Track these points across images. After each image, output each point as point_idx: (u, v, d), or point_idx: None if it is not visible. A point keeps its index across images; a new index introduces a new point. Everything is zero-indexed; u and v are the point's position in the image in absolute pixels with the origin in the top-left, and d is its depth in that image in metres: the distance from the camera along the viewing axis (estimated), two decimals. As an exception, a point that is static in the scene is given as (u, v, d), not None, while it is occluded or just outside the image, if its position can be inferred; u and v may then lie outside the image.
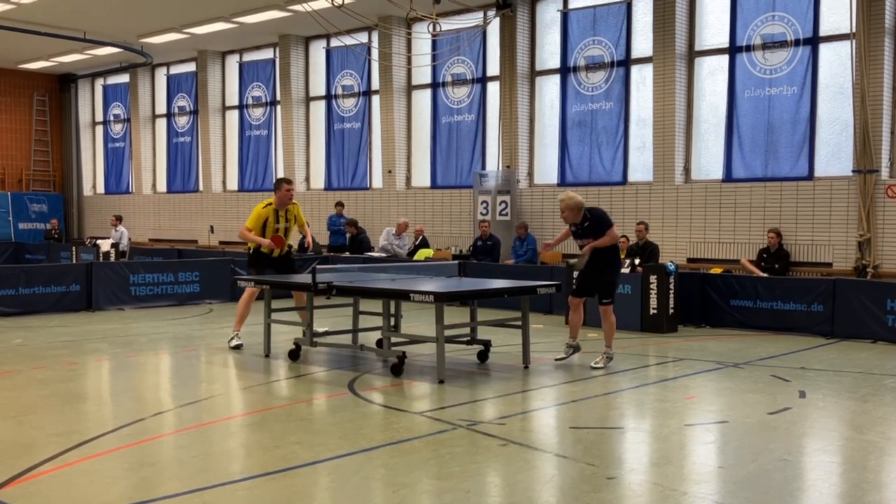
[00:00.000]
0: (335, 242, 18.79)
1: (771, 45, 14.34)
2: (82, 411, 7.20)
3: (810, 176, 14.05)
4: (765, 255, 13.74)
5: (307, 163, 21.47)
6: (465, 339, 9.25)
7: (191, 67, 23.89)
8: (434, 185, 18.90)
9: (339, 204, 19.28)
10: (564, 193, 9.03)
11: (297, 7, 16.81)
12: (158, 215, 24.96)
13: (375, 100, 19.75)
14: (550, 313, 12.98)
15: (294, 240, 10.64)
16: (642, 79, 15.95)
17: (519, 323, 9.01)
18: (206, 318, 13.29)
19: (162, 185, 25.37)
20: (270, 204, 10.04)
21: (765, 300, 11.92)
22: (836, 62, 13.90)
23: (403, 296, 8.44)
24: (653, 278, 11.87)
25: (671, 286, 11.85)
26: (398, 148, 19.25)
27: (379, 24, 17.80)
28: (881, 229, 13.29)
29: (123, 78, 25.76)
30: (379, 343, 9.20)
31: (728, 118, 14.87)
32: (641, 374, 8.88)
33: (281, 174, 21.66)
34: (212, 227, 22.84)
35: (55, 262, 19.63)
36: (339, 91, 20.60)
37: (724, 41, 14.94)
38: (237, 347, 9.99)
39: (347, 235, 18.44)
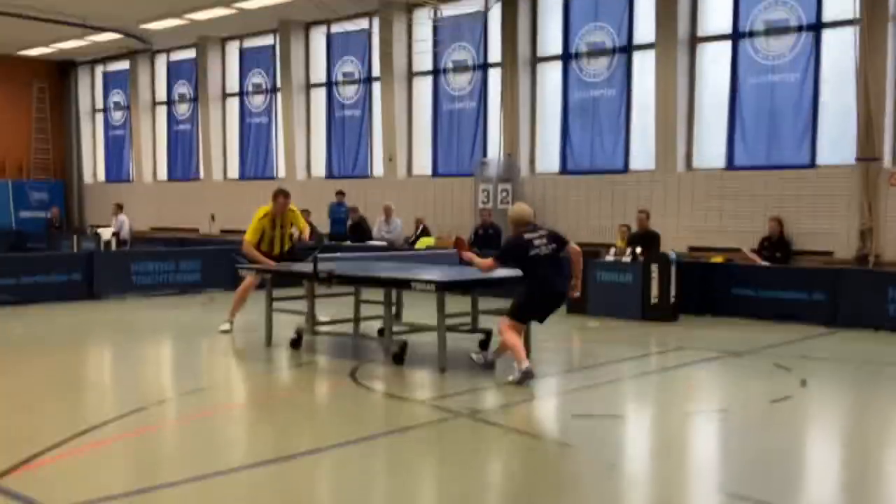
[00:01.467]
0: (336, 231, 18.76)
1: (774, 31, 14.25)
2: (85, 400, 7.22)
3: (813, 164, 14.00)
4: (766, 244, 13.72)
5: (308, 150, 21.39)
6: (466, 327, 9.24)
7: (191, 54, 23.80)
8: (435, 174, 18.85)
9: (340, 192, 19.22)
10: (517, 204, 8.38)
11: (298, -8, 16.74)
12: (159, 203, 24.90)
13: (376, 87, 19.67)
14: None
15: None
16: (644, 66, 15.88)
17: (521, 311, 8.97)
18: (207, 306, 13.28)
19: (162, 173, 25.31)
20: (268, 214, 10.05)
21: (766, 289, 11.89)
22: (839, 49, 13.80)
23: (405, 284, 8.44)
24: (654, 267, 11.83)
25: (672, 274, 11.82)
26: (399, 136, 19.19)
27: (380, 10, 17.72)
28: (883, 218, 13.24)
29: (123, 65, 25.66)
30: (380, 332, 9.20)
31: (730, 105, 14.79)
32: (643, 362, 8.89)
33: (282, 162, 21.64)
34: (213, 216, 22.82)
35: (56, 250, 19.62)
36: (340, 78, 20.52)
37: (726, 27, 14.85)
38: (226, 332, 9.99)
39: (349, 223, 18.41)
